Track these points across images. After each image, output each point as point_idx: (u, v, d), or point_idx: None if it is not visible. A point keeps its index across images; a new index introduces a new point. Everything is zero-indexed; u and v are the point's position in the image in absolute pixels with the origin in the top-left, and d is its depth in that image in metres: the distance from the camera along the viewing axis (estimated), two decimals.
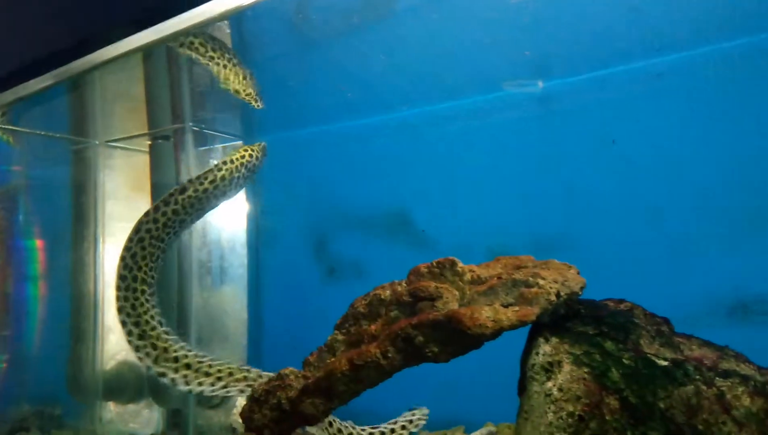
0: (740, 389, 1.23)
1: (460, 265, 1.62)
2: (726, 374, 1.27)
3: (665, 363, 1.29)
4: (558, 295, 1.41)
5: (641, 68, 2.33)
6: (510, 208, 2.57)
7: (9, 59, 2.56)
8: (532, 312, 1.37)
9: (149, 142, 3.04)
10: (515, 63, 2.46)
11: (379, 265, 2.89)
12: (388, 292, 1.70)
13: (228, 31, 2.50)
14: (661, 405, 1.21)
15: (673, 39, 2.22)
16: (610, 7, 2.11)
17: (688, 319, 2.01)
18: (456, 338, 1.42)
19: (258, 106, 2.54)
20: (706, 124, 2.23)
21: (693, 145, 2.24)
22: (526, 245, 2.42)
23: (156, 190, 2.98)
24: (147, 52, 2.44)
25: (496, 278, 1.52)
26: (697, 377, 1.26)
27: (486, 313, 1.38)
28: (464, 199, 2.69)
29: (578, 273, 1.57)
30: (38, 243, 3.41)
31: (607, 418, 1.21)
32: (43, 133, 3.22)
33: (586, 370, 1.27)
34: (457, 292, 1.56)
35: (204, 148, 3.19)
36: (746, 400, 1.21)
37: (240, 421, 2.03)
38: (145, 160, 3.10)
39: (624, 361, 1.29)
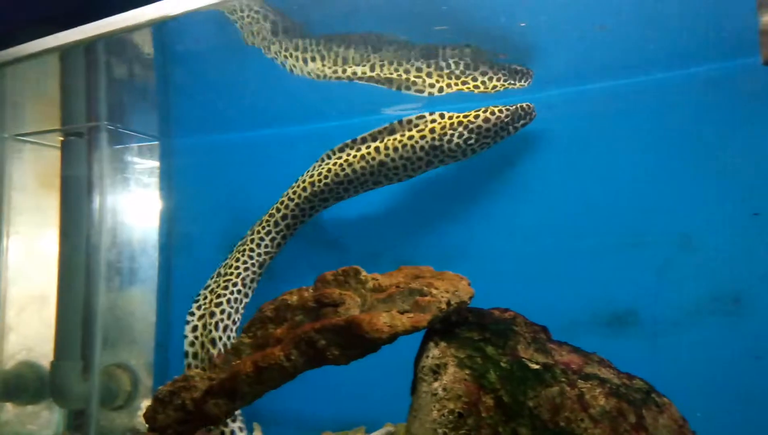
0: (597, 390, 1.41)
1: (364, 273, 1.72)
2: (587, 377, 1.45)
3: (537, 366, 1.45)
4: (449, 303, 1.54)
5: (535, 99, 2.52)
6: (414, 220, 2.71)
7: None
8: (424, 318, 1.49)
9: (61, 139, 2.97)
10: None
11: (292, 270, 2.95)
12: (295, 298, 1.77)
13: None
14: (530, 404, 1.36)
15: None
16: None
17: (572, 327, 2.24)
18: (355, 342, 1.52)
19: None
20: (590, 148, 2.45)
21: (578, 167, 2.46)
22: (430, 256, 2.59)
23: (66, 186, 2.92)
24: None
25: (395, 287, 1.63)
26: (563, 379, 1.42)
27: (383, 319, 1.49)
28: (374, 210, 2.81)
29: (469, 284, 1.71)
30: None
31: (483, 415, 1.35)
32: None
33: (467, 371, 1.41)
34: (359, 299, 1.66)
35: (119, 146, 3.16)
36: (602, 400, 1.39)
37: (143, 422, 2.05)
38: (56, 155, 3.02)
39: (501, 364, 1.44)
